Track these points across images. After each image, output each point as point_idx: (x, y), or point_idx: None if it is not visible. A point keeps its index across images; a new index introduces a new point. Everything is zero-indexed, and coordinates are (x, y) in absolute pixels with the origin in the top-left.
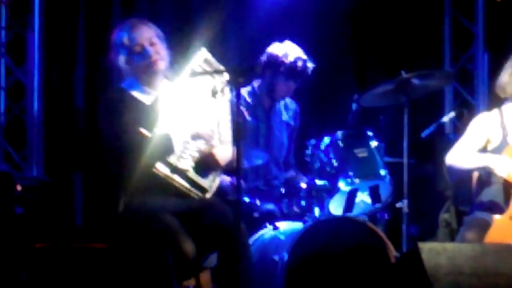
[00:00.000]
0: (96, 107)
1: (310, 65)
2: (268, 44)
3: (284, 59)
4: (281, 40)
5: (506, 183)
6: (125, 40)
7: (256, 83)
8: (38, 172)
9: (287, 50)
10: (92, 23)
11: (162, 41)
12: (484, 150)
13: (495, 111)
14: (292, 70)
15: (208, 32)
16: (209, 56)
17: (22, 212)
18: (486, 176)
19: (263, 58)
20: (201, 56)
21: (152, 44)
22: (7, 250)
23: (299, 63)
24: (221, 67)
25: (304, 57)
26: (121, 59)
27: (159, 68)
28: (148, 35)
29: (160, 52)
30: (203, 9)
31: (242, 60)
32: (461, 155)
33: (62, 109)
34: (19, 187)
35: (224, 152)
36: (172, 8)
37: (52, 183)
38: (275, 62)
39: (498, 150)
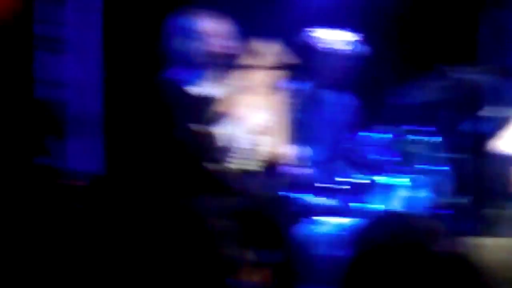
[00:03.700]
0: (149, 100)
1: (351, 47)
2: None
3: (315, 44)
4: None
5: None
6: (193, 25)
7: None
8: (97, 167)
9: (329, 33)
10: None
11: (228, 35)
12: None
13: None
14: (323, 53)
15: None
16: (279, 49)
17: (81, 207)
18: None
19: (308, 46)
20: (270, 49)
21: (218, 36)
22: (66, 245)
23: (328, 45)
24: (289, 60)
25: (344, 37)
26: (184, 43)
27: (217, 60)
28: (216, 27)
29: (224, 46)
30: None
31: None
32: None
33: (120, 103)
34: (78, 183)
35: (285, 150)
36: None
37: (110, 178)
38: (318, 47)
39: None
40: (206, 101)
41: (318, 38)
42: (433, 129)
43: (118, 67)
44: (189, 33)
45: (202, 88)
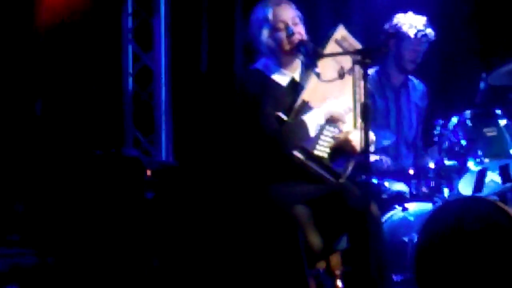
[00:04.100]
0: (226, 90)
1: (430, 31)
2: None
3: (406, 25)
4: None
5: None
6: (270, 15)
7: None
8: (166, 157)
9: (409, 18)
10: (216, 8)
11: (303, 23)
12: None
13: None
14: (415, 35)
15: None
16: (346, 33)
17: (153, 197)
18: None
19: (387, 30)
20: (338, 34)
21: (294, 23)
22: (138, 234)
23: (419, 27)
24: (357, 44)
25: (424, 21)
26: (264, 33)
27: (299, 48)
28: (292, 14)
29: (301, 33)
30: None
31: (368, 39)
32: None
33: (189, 93)
34: (148, 172)
35: (359, 137)
36: None
37: (180, 167)
38: (399, 31)
39: None
40: (290, 90)
41: (398, 23)
42: (502, 112)
43: (186, 58)
44: (273, 23)
45: (286, 77)
